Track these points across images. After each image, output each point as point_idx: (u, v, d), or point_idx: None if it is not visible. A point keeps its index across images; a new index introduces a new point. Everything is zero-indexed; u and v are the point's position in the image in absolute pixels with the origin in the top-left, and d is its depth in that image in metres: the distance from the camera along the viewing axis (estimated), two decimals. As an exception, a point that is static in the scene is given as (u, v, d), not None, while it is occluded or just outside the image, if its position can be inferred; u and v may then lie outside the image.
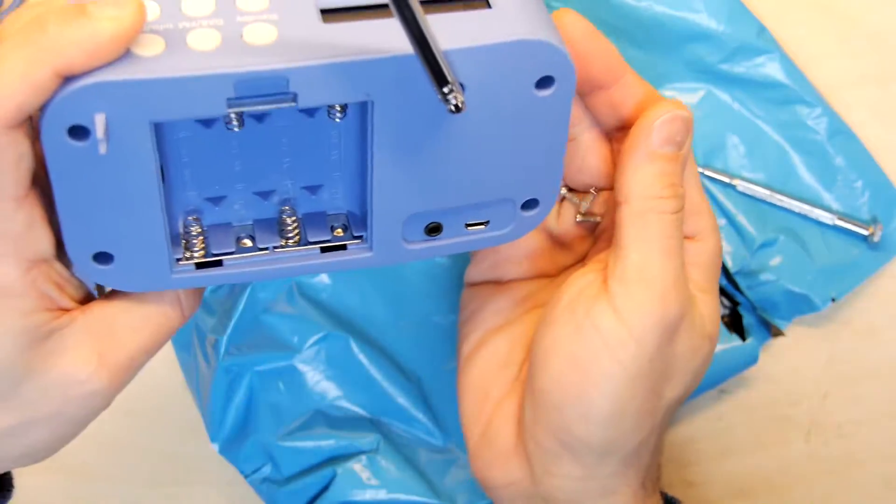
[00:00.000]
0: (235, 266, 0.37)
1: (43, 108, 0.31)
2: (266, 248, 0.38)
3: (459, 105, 0.32)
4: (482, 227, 0.39)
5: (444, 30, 0.31)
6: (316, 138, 0.38)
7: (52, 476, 0.56)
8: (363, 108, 0.35)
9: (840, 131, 0.56)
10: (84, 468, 0.57)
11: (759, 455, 0.58)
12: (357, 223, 0.39)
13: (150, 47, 0.31)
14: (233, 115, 0.34)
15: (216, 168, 0.37)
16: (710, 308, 0.40)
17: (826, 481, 0.58)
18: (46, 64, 0.30)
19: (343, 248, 0.38)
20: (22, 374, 0.35)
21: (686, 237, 0.40)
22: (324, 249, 0.38)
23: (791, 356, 0.58)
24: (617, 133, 0.41)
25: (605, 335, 0.38)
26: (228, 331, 0.54)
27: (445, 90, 0.32)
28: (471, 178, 0.37)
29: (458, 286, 0.56)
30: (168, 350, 0.58)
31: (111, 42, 0.30)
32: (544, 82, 0.35)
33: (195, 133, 0.36)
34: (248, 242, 0.38)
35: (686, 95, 0.57)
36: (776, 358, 0.58)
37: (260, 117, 0.36)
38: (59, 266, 0.36)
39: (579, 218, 0.44)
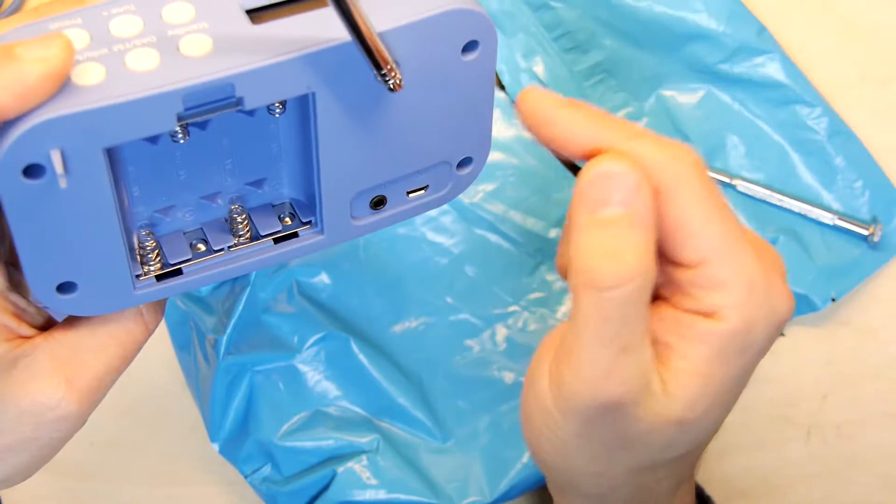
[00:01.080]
0: (194, 272, 0.38)
1: None
2: (221, 249, 0.38)
3: (398, 83, 0.34)
4: (423, 192, 0.40)
5: (372, 12, 0.32)
6: (256, 135, 0.38)
7: (51, 476, 0.56)
8: (303, 99, 0.35)
9: (840, 131, 0.56)
10: (84, 468, 0.57)
11: (759, 455, 0.58)
12: (303, 209, 0.39)
13: (91, 76, 0.31)
14: (179, 129, 0.35)
15: (163, 180, 0.38)
16: (691, 393, 0.35)
17: (826, 481, 0.58)
18: None
19: (295, 235, 0.39)
20: None
21: (700, 312, 0.35)
22: (277, 240, 0.39)
23: (791, 356, 0.58)
24: None
25: (540, 402, 0.37)
26: (228, 331, 0.54)
27: (383, 72, 0.33)
28: (410, 147, 0.38)
29: (457, 286, 0.56)
30: (168, 350, 0.58)
31: (41, 83, 0.30)
32: (470, 47, 0.36)
33: (141, 150, 0.36)
34: (202, 247, 0.38)
35: (686, 95, 0.57)
36: (776, 358, 0.58)
37: (203, 124, 0.37)
38: (13, 296, 0.36)
39: None
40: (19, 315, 0.36)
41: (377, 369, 0.55)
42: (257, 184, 0.39)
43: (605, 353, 0.34)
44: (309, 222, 0.39)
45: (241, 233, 0.38)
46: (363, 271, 0.56)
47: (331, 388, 0.55)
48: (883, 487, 0.58)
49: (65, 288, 0.35)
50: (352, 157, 0.37)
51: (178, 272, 0.37)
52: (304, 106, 0.36)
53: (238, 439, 0.54)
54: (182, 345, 0.57)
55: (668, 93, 0.57)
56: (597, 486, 0.39)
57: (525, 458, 0.54)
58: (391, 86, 0.34)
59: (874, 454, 0.58)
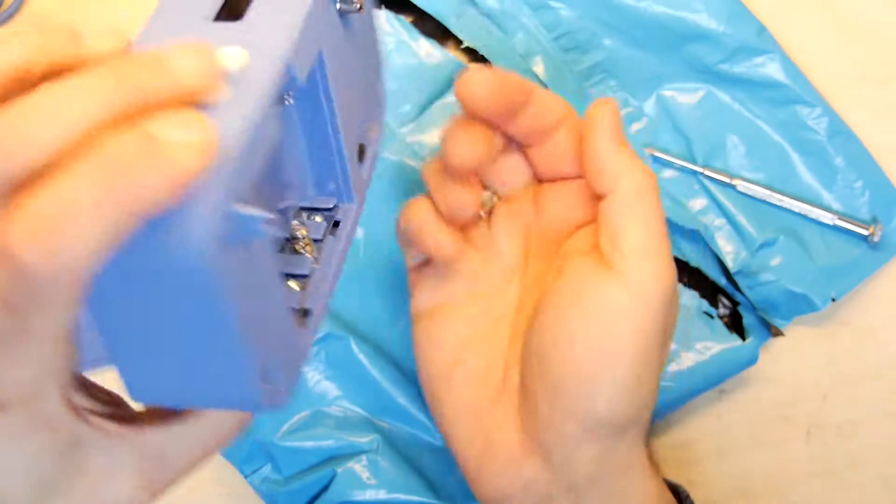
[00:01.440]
0: (316, 302, 0.36)
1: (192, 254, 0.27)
2: (312, 269, 0.37)
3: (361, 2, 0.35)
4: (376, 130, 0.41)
5: None
6: (283, 142, 0.37)
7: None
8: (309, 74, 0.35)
9: (840, 131, 0.56)
10: (84, 468, 0.57)
11: (759, 455, 0.58)
12: (318, 193, 0.39)
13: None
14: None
15: None
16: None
17: (826, 481, 0.58)
18: (130, 213, 0.25)
19: (337, 222, 0.39)
20: (67, 485, 0.33)
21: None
22: (331, 231, 0.38)
23: (791, 356, 0.58)
24: (535, 138, 0.43)
25: (622, 312, 0.39)
26: (228, 331, 0.54)
27: None
28: (372, 78, 0.39)
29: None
30: (168, 350, 0.58)
31: (194, 174, 0.26)
32: None
33: None
34: (296, 281, 0.37)
35: (686, 95, 0.57)
36: (776, 358, 0.58)
37: None
38: (83, 377, 0.34)
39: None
40: (93, 395, 0.35)
41: (377, 369, 0.55)
42: (292, 189, 0.39)
43: (666, 238, 0.41)
44: (334, 206, 0.38)
45: (305, 246, 0.38)
46: (363, 271, 0.56)
47: (331, 388, 0.55)
48: (883, 487, 0.58)
49: (265, 375, 0.31)
50: (352, 107, 0.37)
51: (306, 311, 0.36)
52: (310, 77, 0.35)
53: (238, 439, 0.54)
54: (182, 345, 0.57)
55: (668, 93, 0.57)
56: (653, 397, 0.42)
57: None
58: (356, 6, 0.35)
59: (874, 454, 0.58)
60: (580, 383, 0.40)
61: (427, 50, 0.57)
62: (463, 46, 0.56)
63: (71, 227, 0.25)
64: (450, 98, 0.57)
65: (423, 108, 0.57)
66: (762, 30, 0.55)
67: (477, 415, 0.44)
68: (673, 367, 0.55)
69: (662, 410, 0.55)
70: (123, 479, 0.34)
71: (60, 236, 0.24)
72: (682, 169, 0.56)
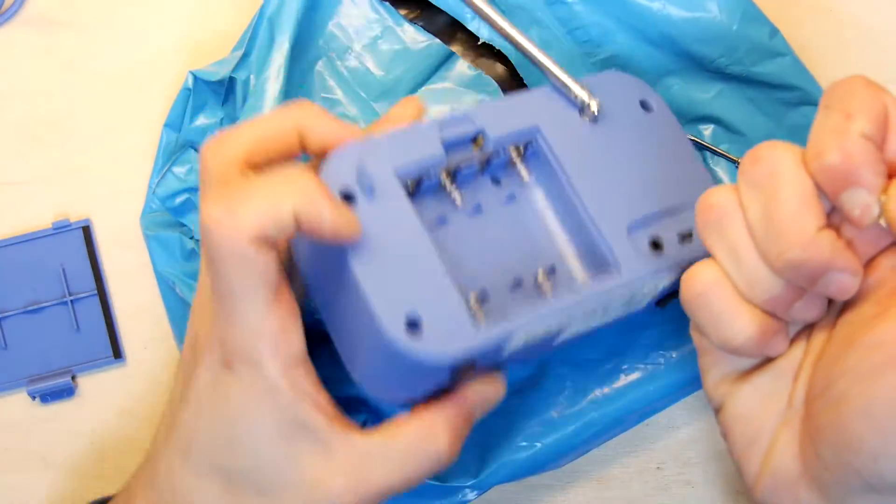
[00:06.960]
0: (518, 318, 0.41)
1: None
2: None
3: (595, 113, 0.45)
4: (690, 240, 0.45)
5: None
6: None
7: (50, 476, 0.56)
8: (536, 153, 0.44)
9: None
10: (83, 468, 0.57)
11: (760, 457, 0.58)
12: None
13: None
14: (447, 183, 0.43)
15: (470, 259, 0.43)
16: None
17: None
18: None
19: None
20: (282, 468, 0.39)
21: None
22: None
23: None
24: None
25: None
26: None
27: (582, 103, 0.44)
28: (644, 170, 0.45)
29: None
30: (168, 350, 0.57)
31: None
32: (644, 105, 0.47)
33: (441, 233, 0.43)
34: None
35: (699, 96, 0.56)
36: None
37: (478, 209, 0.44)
38: (313, 367, 0.40)
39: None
40: (317, 385, 0.41)
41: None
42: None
43: None
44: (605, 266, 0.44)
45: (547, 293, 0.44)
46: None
47: (331, 389, 0.54)
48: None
49: (412, 326, 0.38)
50: (602, 188, 0.44)
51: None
52: (537, 163, 0.45)
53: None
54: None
55: (681, 93, 0.57)
56: None
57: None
58: (590, 116, 0.45)
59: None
60: (873, 444, 0.36)
61: (412, 36, 0.56)
62: (479, 42, 0.56)
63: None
64: (436, 84, 0.56)
65: (410, 94, 0.57)
66: (775, 31, 0.55)
67: (758, 433, 0.41)
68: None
69: (661, 407, 0.55)
70: (334, 477, 0.39)
71: None
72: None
